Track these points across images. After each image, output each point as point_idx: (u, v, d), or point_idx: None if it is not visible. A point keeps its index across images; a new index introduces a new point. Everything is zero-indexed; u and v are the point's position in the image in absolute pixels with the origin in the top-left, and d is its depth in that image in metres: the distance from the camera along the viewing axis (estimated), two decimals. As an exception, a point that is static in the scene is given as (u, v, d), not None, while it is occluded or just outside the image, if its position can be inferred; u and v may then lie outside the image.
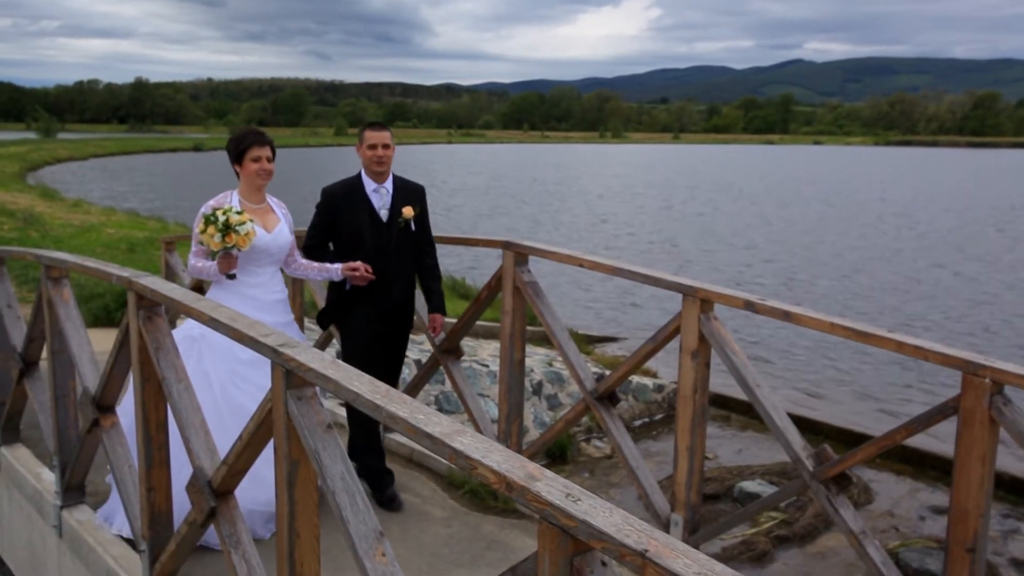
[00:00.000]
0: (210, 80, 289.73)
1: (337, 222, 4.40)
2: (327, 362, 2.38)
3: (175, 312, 3.69)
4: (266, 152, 4.16)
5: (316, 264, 4.40)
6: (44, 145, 71.38)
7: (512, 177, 53.45)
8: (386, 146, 4.35)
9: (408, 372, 7.26)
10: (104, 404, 3.84)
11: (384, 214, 4.39)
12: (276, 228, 4.21)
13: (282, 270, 4.42)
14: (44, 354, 4.55)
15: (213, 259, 4.01)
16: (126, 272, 3.53)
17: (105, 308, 9.52)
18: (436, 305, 4.66)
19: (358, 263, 4.26)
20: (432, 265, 4.63)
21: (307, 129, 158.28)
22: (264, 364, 2.60)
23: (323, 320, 4.72)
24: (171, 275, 8.84)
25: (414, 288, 4.60)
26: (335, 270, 4.34)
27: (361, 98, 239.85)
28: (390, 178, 4.44)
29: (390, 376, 4.53)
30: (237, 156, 4.16)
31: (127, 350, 3.48)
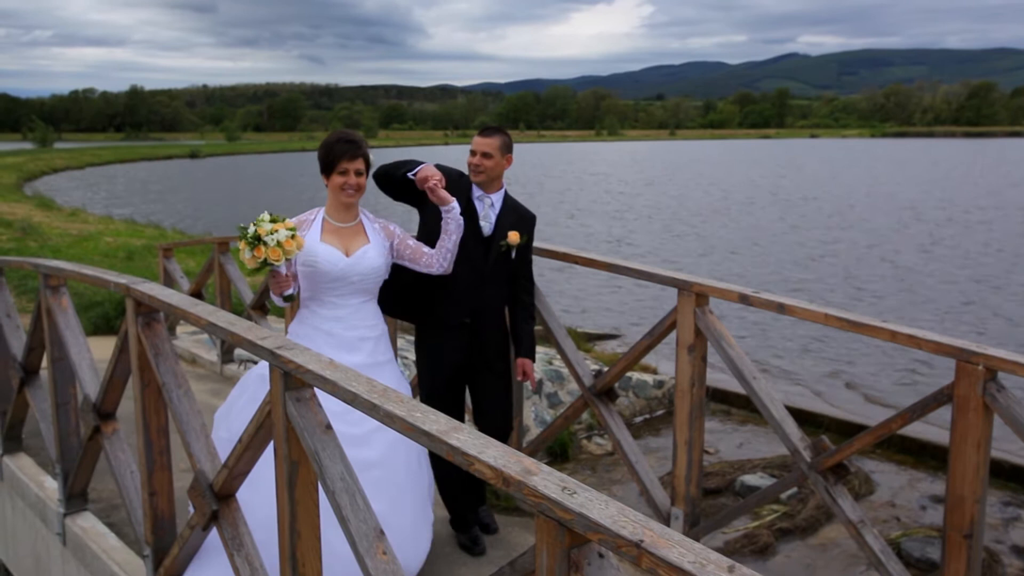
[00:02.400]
0: (205, 86, 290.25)
1: (426, 207, 3.93)
2: (324, 363, 2.40)
3: (174, 318, 3.70)
4: (356, 165, 3.58)
5: (445, 244, 3.75)
6: (41, 155, 71.38)
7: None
8: (485, 155, 3.87)
9: (408, 373, 7.27)
10: (105, 411, 3.86)
11: (486, 227, 3.94)
12: (358, 251, 3.60)
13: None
14: (44, 363, 4.57)
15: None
16: (124, 279, 3.55)
17: (104, 316, 9.54)
18: (526, 348, 4.17)
19: (427, 170, 3.69)
20: (528, 303, 4.17)
21: (303, 133, 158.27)
22: (349, 416, 2.41)
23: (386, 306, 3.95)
24: (169, 281, 8.85)
25: (503, 320, 4.14)
26: (453, 217, 3.72)
27: (356, 101, 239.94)
28: (499, 194, 3.99)
29: (499, 419, 4.14)
30: (326, 168, 3.62)
31: (126, 356, 3.50)
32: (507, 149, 3.94)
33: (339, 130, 3.81)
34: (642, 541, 1.55)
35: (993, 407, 3.02)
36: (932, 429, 7.01)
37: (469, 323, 3.96)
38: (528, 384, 4.11)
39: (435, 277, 3.89)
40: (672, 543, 1.54)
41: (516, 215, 4.01)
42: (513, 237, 3.91)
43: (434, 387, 4.06)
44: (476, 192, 3.95)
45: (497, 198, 3.99)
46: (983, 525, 3.15)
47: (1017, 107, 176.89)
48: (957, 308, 14.38)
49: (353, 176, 3.57)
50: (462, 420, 4.08)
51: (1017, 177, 47.55)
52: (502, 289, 4.03)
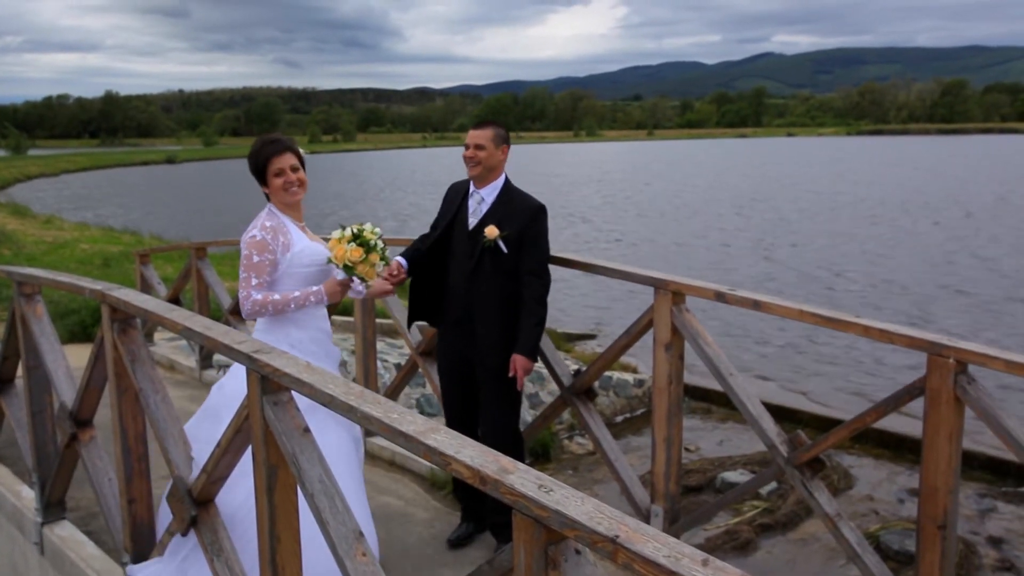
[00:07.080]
0: (181, 91, 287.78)
1: (441, 217, 4.10)
2: (302, 366, 2.40)
3: (151, 324, 3.68)
4: (289, 161, 3.45)
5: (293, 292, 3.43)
6: (14, 162, 70.54)
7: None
8: (479, 147, 3.90)
9: (388, 376, 7.27)
10: (81, 418, 3.83)
11: (472, 222, 3.96)
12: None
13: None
14: (20, 371, 4.53)
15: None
16: (99, 285, 3.53)
17: (81, 323, 9.43)
18: (521, 344, 3.88)
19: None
20: (528, 298, 3.90)
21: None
22: (326, 417, 2.43)
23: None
24: (146, 288, 8.79)
25: (503, 318, 3.93)
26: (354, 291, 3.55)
27: (334, 104, 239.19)
28: (492, 187, 3.97)
29: (490, 426, 4.03)
30: (260, 174, 3.48)
31: (103, 363, 3.48)
32: (501, 140, 3.97)
33: (260, 136, 3.65)
34: (617, 536, 1.56)
35: (964, 399, 3.06)
36: (910, 423, 7.09)
37: (463, 320, 3.96)
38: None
39: (433, 273, 4.01)
40: (647, 538, 1.56)
41: (509, 208, 3.93)
42: (490, 231, 3.85)
43: (443, 387, 4.18)
44: (472, 188, 4.02)
45: (488, 192, 3.97)
46: (956, 516, 3.20)
47: (989, 104, 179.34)
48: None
49: (291, 172, 3.44)
50: (471, 423, 4.07)
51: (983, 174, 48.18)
52: (500, 285, 3.90)
